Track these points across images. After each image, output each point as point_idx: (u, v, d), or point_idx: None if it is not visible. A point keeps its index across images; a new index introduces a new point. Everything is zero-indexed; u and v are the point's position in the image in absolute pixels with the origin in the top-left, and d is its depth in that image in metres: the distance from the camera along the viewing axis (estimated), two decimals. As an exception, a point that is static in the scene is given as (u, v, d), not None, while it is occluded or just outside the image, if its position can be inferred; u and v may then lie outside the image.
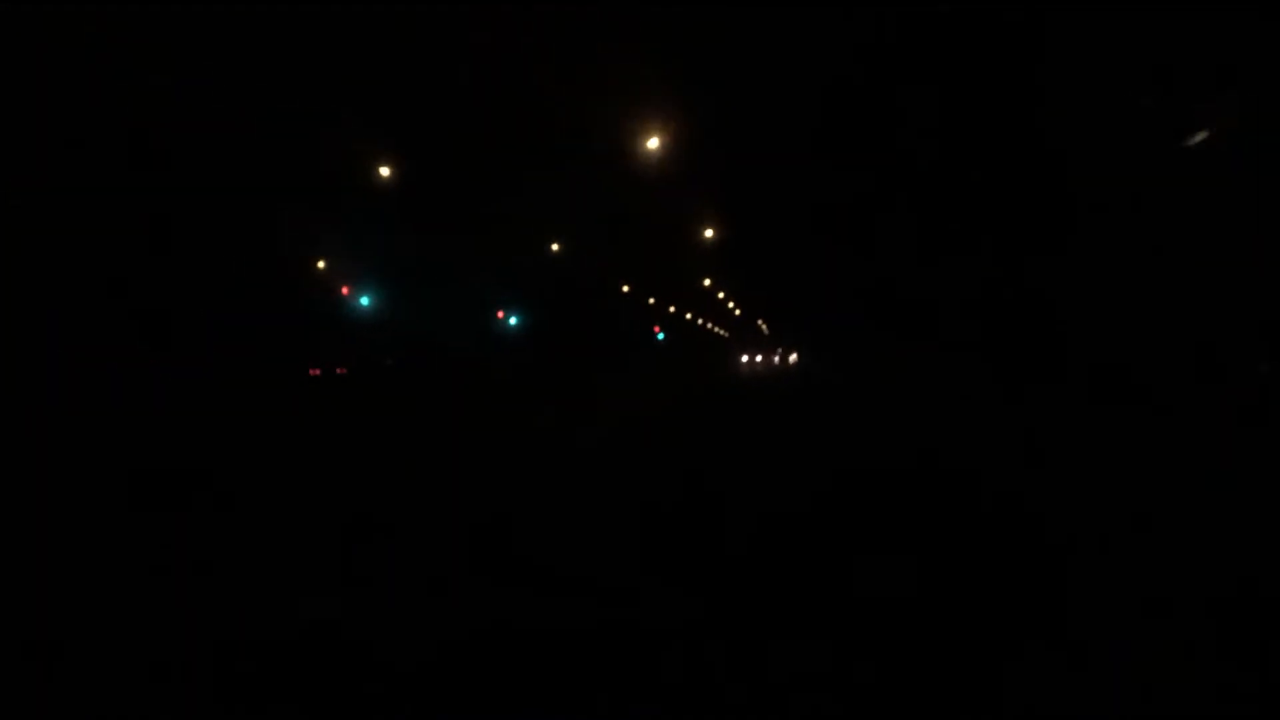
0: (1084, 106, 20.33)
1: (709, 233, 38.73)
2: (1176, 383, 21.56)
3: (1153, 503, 9.79)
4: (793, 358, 78.97)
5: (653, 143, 26.36)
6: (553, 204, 35.18)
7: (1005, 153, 22.94)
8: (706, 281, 62.39)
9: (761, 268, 52.64)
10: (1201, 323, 21.46)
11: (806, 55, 22.55)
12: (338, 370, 32.38)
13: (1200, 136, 20.18)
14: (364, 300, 40.09)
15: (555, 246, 39.29)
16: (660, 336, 73.46)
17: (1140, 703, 4.94)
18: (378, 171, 30.12)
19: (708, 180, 33.19)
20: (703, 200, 36.39)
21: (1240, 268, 19.60)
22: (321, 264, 38.87)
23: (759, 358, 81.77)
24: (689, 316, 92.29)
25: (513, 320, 50.01)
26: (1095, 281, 23.60)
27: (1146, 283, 22.31)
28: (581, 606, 6.67)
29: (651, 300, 69.94)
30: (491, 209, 34.65)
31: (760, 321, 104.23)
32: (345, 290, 39.79)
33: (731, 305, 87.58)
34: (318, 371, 31.71)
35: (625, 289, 60.57)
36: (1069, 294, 24.47)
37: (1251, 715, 4.93)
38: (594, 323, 50.52)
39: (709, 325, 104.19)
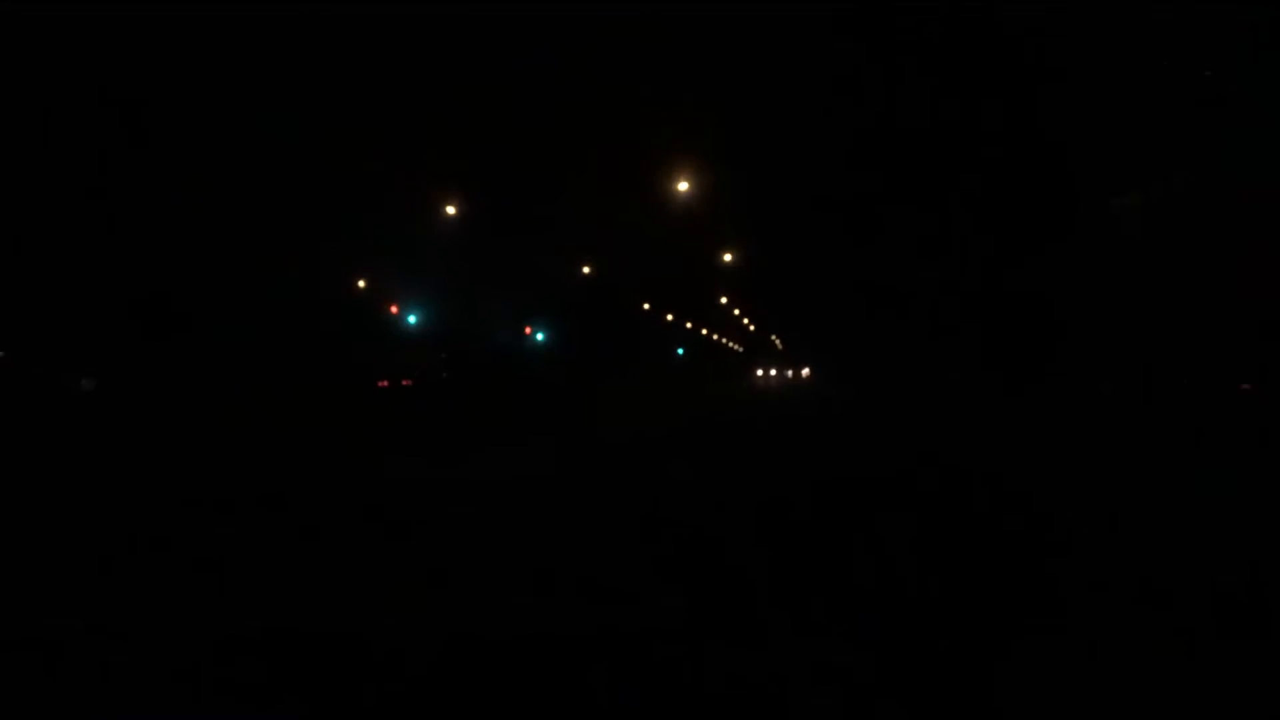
0: (1085, 106, 21.42)
1: (727, 257, 42.18)
2: (1178, 382, 23.13)
3: (1150, 498, 10.19)
4: (805, 372, 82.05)
5: (679, 179, 29.80)
6: (584, 232, 38.65)
7: (1006, 155, 24.72)
8: (723, 300, 65.86)
9: (776, 285, 55.85)
10: (1208, 323, 22.70)
11: (816, 78, 24.48)
12: (403, 381, 35.89)
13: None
14: (410, 319, 43.69)
15: (586, 270, 42.86)
16: (680, 352, 76.81)
17: (1138, 700, 4.89)
18: (428, 204, 33.62)
19: (725, 206, 36.38)
20: (720, 225, 39.66)
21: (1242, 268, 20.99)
22: (362, 283, 42.45)
23: (773, 372, 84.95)
24: (705, 332, 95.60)
25: (540, 336, 53.55)
26: (1097, 281, 25.61)
27: (1151, 281, 23.97)
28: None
29: (670, 317, 73.42)
30: (527, 236, 38.10)
31: (774, 337, 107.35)
32: (394, 309, 43.43)
33: (746, 322, 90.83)
34: (386, 383, 35.25)
35: (646, 307, 64.09)
36: (1072, 293, 26.45)
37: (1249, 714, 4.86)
38: (619, 338, 53.97)
39: (725, 341, 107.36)
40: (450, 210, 31.07)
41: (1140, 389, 24.26)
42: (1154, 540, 8.30)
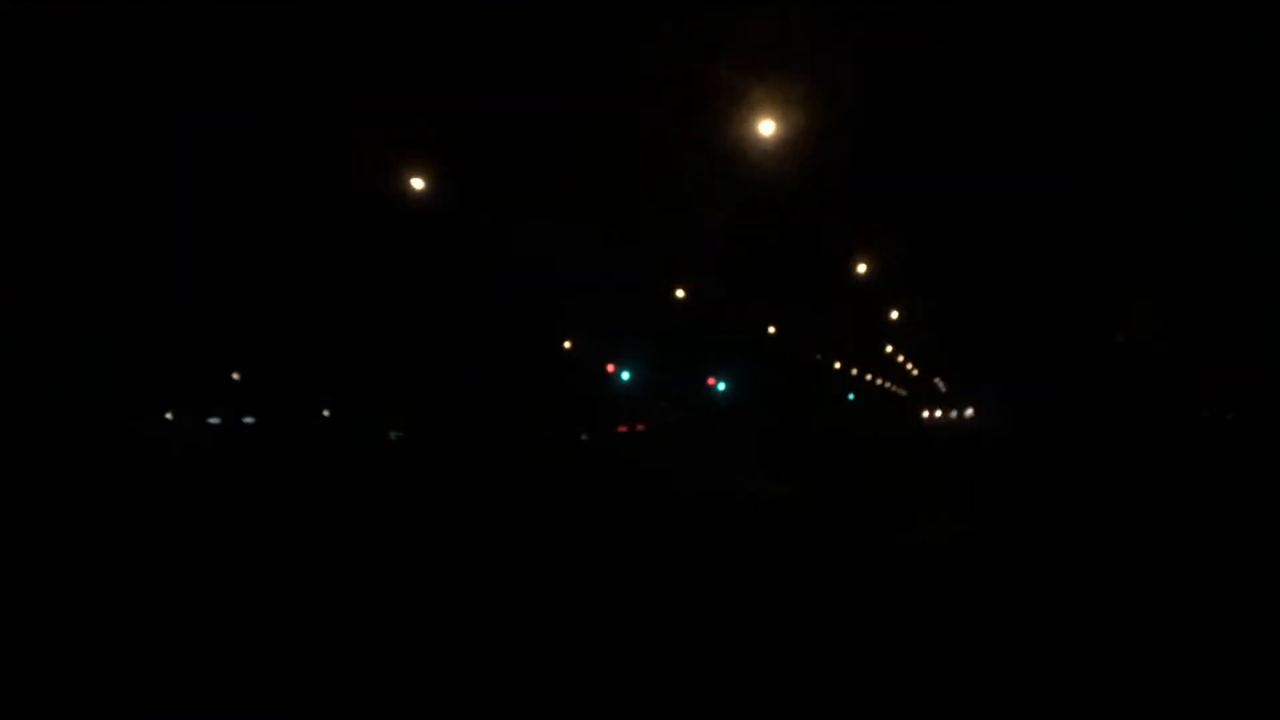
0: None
1: (894, 314, 49.35)
2: None
3: None
4: (969, 412, 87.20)
5: (854, 258, 37.41)
6: (772, 304, 46.49)
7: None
8: (889, 348, 72.59)
9: (939, 334, 62.31)
10: None
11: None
12: (638, 426, 44.52)
13: None
14: (624, 375, 52.36)
15: (771, 329, 50.84)
16: (851, 397, 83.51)
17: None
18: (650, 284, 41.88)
19: (892, 273, 43.38)
20: (888, 288, 46.66)
21: None
22: (568, 344, 51.23)
23: (938, 413, 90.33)
24: (869, 378, 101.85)
25: (721, 386, 61.60)
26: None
27: None
28: None
29: (837, 365, 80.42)
30: (727, 308, 46.09)
31: (937, 380, 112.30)
32: (610, 368, 52.18)
33: (910, 367, 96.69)
34: (625, 428, 44.00)
35: (819, 357, 71.44)
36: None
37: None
38: (800, 386, 61.55)
39: (890, 386, 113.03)
40: (678, 293, 39.37)
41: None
42: None
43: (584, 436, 43.14)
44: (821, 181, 30.68)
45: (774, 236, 37.90)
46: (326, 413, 43.19)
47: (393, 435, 41.29)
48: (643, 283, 38.87)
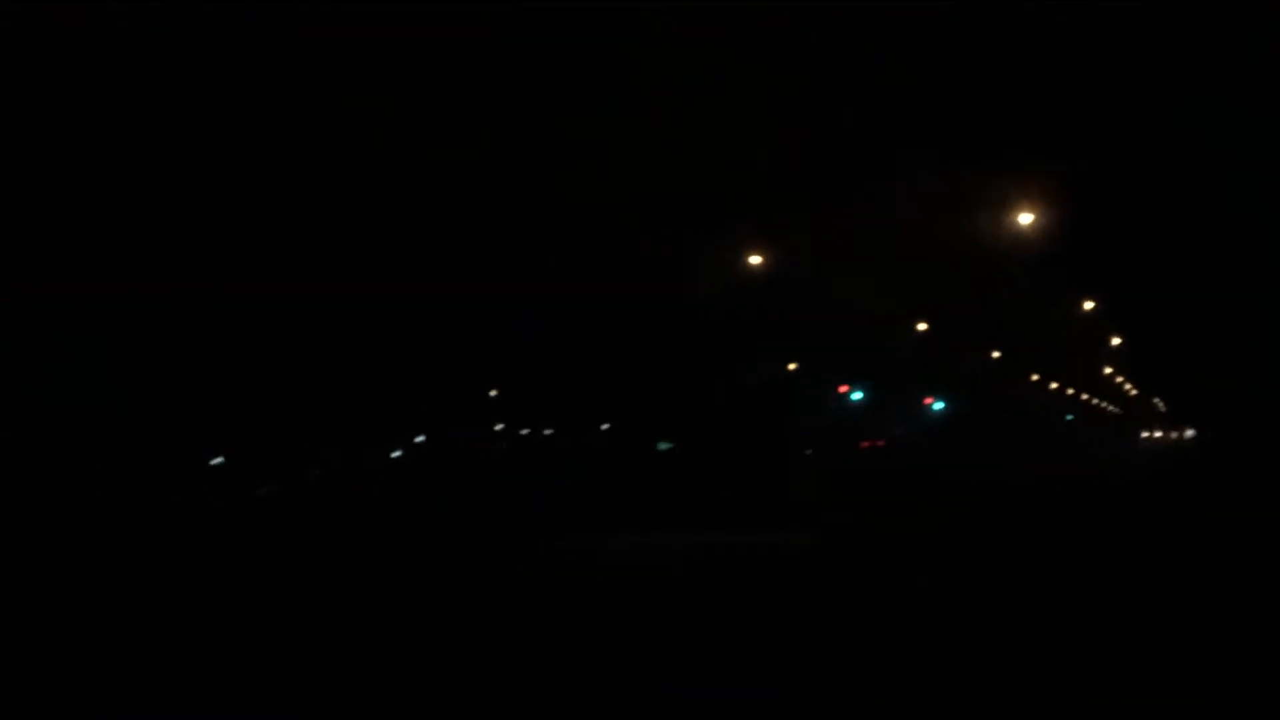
0: None
1: (1115, 340, 52.73)
2: None
3: None
4: (1189, 433, 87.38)
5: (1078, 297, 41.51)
6: (997, 330, 50.73)
7: None
8: (1108, 370, 74.78)
9: (1161, 356, 64.32)
10: None
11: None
12: (877, 443, 50.17)
13: None
14: (855, 395, 57.59)
15: (995, 354, 55.10)
16: (1069, 417, 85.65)
17: None
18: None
19: (1113, 300, 46.74)
20: (1107, 316, 49.99)
21: None
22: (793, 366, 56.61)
23: (1158, 433, 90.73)
24: (1084, 398, 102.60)
25: (938, 406, 65.75)
26: None
27: None
28: None
29: (1054, 385, 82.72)
30: (956, 335, 50.59)
31: (1156, 400, 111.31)
32: (843, 389, 57.49)
33: (1128, 387, 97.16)
34: (868, 444, 49.77)
35: (1035, 378, 74.37)
36: None
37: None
38: (1019, 407, 65.25)
39: (1106, 406, 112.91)
40: (918, 326, 44.42)
41: None
42: None
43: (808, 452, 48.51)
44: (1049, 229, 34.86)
45: (1005, 279, 42.39)
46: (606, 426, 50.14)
47: (661, 447, 47.82)
48: (885, 317, 44.04)
